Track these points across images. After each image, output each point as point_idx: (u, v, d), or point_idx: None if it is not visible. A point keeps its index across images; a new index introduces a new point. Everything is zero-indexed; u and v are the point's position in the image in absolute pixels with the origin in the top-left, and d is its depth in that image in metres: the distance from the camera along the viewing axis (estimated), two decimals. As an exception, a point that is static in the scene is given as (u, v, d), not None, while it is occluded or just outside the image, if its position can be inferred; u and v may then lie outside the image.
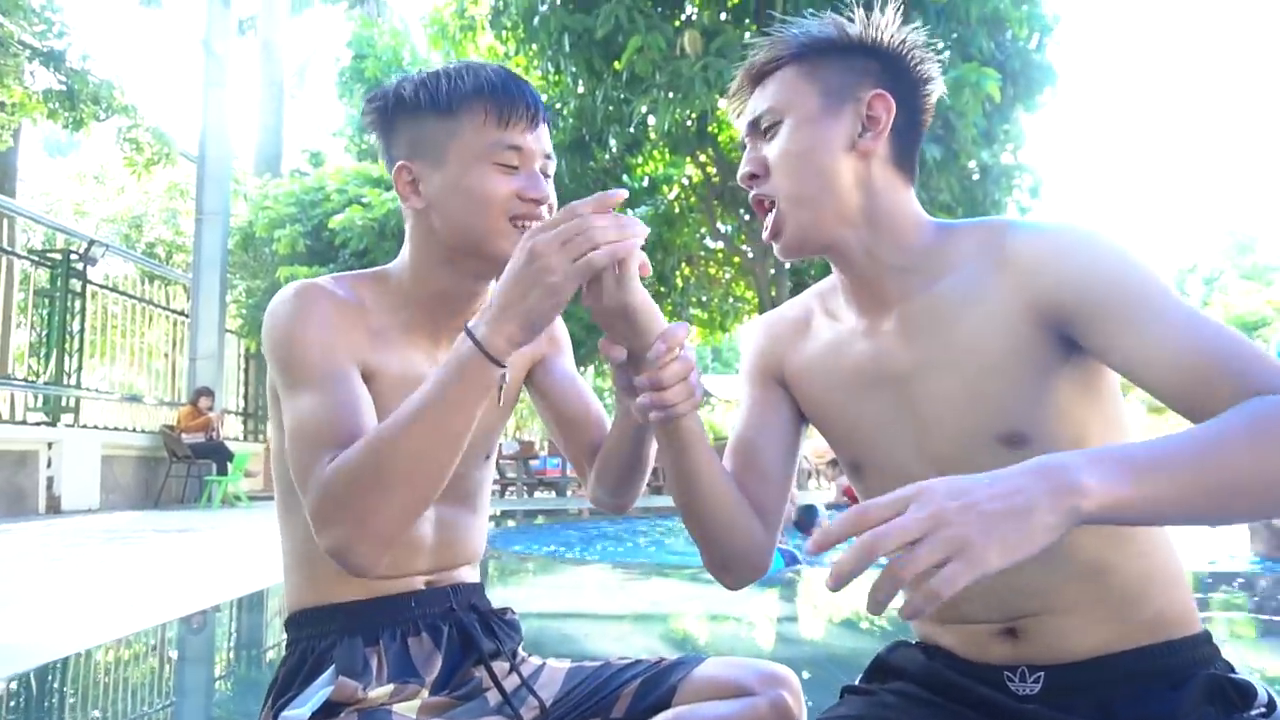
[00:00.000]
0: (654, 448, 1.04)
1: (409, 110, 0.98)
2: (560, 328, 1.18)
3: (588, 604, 3.70)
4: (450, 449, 0.83)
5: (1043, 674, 0.86)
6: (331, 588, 0.99)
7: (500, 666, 1.04)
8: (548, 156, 0.99)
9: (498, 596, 1.24)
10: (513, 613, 1.14)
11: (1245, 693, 0.82)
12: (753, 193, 0.94)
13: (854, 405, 0.94)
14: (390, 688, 0.95)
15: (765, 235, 0.95)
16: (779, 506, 0.99)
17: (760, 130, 0.94)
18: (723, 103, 9.87)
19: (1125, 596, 0.85)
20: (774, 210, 0.93)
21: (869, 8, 0.94)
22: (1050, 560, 0.81)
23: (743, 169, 0.94)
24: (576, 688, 1.06)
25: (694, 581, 4.03)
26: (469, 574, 1.10)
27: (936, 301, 0.88)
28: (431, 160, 0.97)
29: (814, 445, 15.65)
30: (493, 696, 1.02)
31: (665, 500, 11.70)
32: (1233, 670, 0.87)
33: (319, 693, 0.93)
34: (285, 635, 1.04)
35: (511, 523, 8.42)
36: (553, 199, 0.98)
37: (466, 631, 1.03)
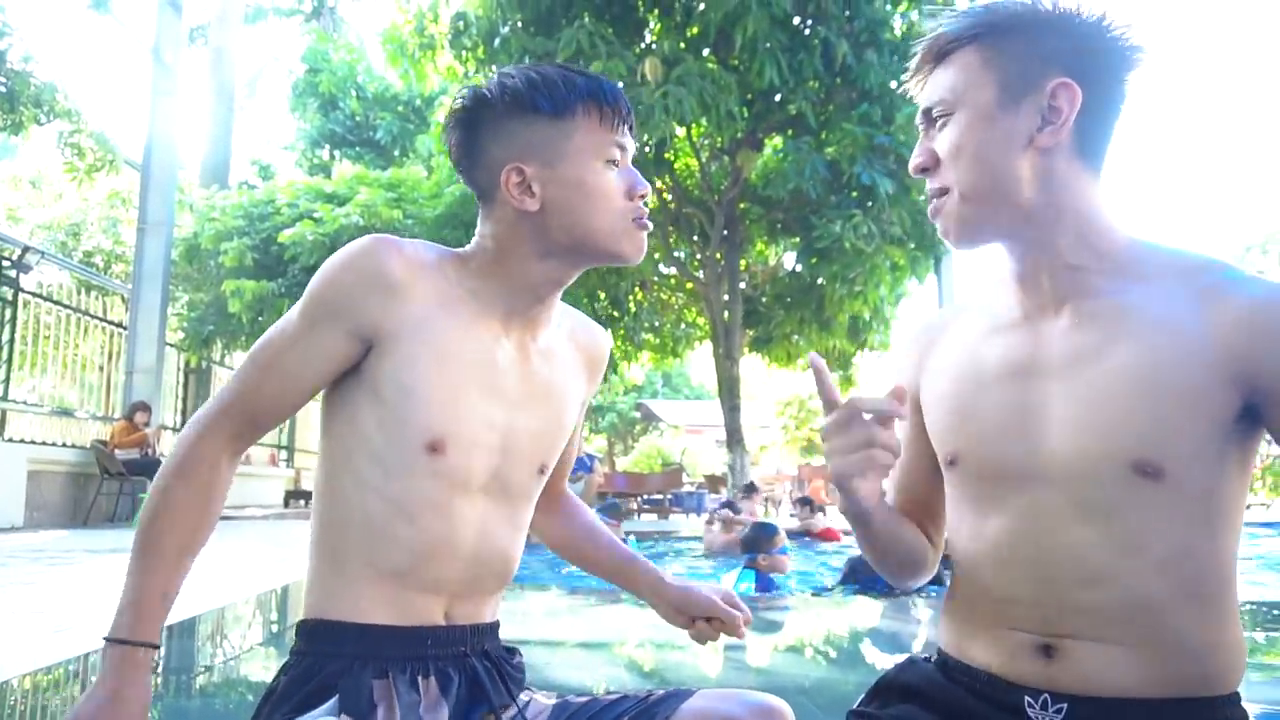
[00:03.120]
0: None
1: (520, 110, 0.99)
2: (601, 377, 1.22)
3: (558, 632, 3.63)
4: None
5: (1065, 705, 0.83)
6: (356, 603, 0.96)
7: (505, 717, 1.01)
8: (634, 154, 1.06)
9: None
10: (520, 655, 1.11)
11: None
12: (927, 187, 0.92)
13: (978, 393, 0.91)
14: None
15: (931, 217, 0.93)
16: (942, 522, 1.03)
17: (932, 119, 0.91)
18: (679, 130, 10.03)
19: (1177, 647, 0.82)
20: (944, 197, 0.90)
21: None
22: (1109, 591, 0.82)
23: (914, 160, 0.93)
24: None
25: (646, 608, 3.99)
26: (490, 608, 1.07)
27: (1121, 305, 0.85)
28: (545, 160, 0.99)
29: (762, 473, 15.71)
30: None
31: (632, 525, 11.58)
32: None
33: None
34: (294, 640, 1.01)
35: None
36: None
37: (477, 681, 1.00)
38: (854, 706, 1.00)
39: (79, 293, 11.60)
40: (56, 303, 10.64)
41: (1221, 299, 0.81)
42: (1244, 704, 0.87)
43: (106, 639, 0.91)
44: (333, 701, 0.92)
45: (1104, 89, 0.87)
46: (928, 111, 0.91)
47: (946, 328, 1.01)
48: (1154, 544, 0.81)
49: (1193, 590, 0.82)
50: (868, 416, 0.86)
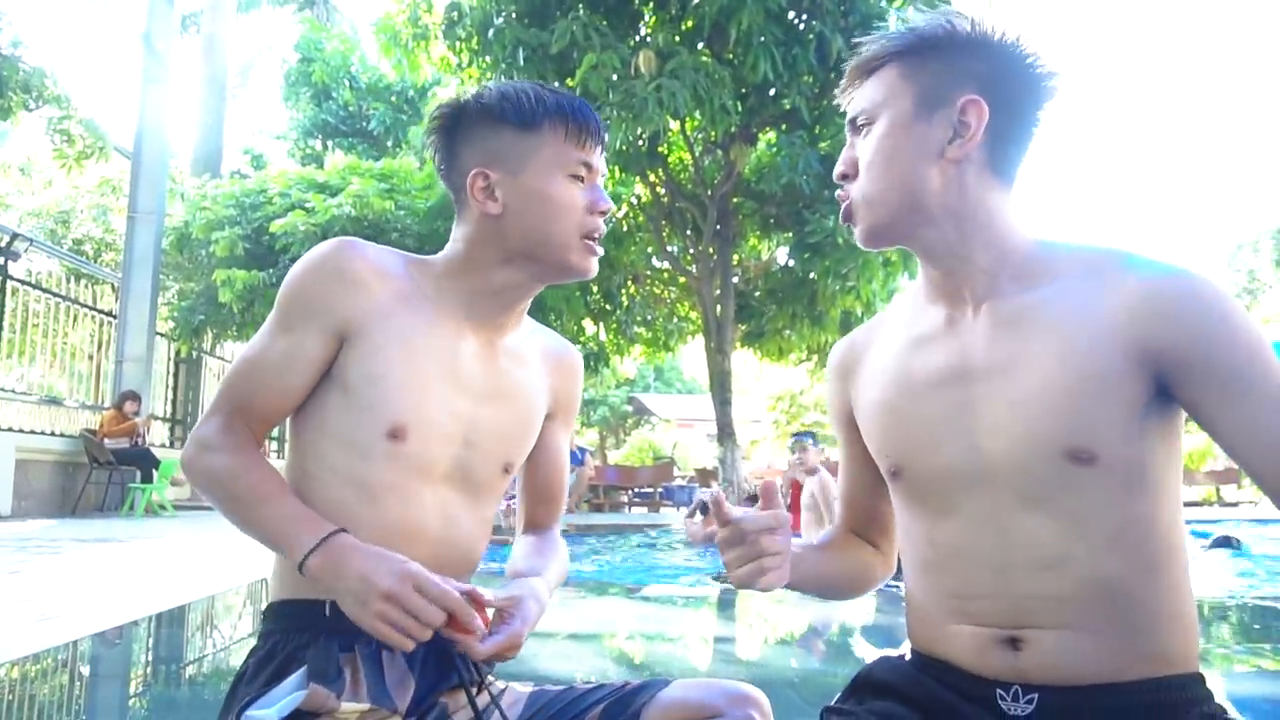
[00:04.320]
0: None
1: (490, 119, 1.05)
2: (575, 394, 1.24)
3: (548, 623, 3.64)
4: (249, 532, 1.00)
5: (1037, 695, 0.86)
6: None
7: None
8: (604, 174, 1.10)
9: None
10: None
11: None
12: (839, 193, 0.97)
13: (912, 404, 0.95)
14: (366, 707, 0.94)
15: (844, 219, 0.98)
16: (891, 529, 1.08)
17: (856, 127, 0.95)
18: (672, 124, 10.03)
19: (1137, 626, 0.85)
20: (847, 203, 0.95)
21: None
22: (1065, 573, 0.85)
23: (837, 168, 0.97)
24: (539, 712, 1.04)
25: (639, 600, 4.00)
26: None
27: (1033, 306, 0.89)
28: (509, 168, 1.04)
29: (753, 468, 15.75)
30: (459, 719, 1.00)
31: (606, 518, 11.64)
32: (1223, 711, 0.86)
33: (289, 696, 0.90)
34: (260, 625, 1.04)
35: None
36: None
37: (446, 655, 1.01)
38: (830, 703, 1.01)
39: (68, 281, 11.54)
40: (45, 290, 10.58)
41: (1121, 286, 0.85)
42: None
43: (303, 562, 0.92)
44: (300, 672, 0.94)
45: (1015, 109, 0.91)
46: (853, 120, 0.96)
47: (870, 344, 1.05)
48: (1099, 522, 0.85)
49: (1142, 561, 0.86)
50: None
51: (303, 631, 0.98)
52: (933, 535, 0.94)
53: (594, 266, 1.08)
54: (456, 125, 1.08)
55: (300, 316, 1.02)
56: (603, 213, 1.06)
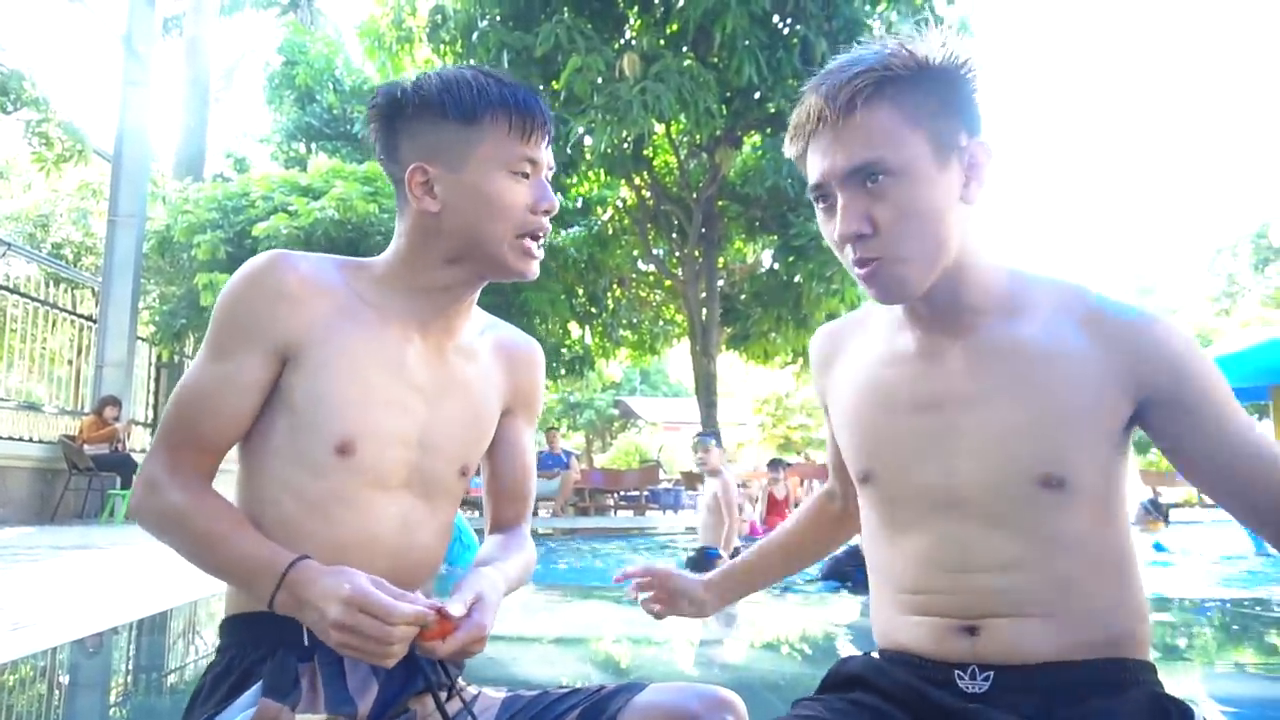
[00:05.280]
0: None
1: (430, 113, 1.00)
2: (535, 388, 1.20)
3: (517, 627, 3.62)
4: (209, 571, 0.97)
5: (992, 673, 0.90)
6: None
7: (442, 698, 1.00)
8: (551, 168, 1.05)
9: None
10: None
11: (1185, 712, 0.87)
12: (857, 253, 0.89)
13: (886, 422, 0.97)
14: (322, 717, 0.92)
15: (866, 281, 0.91)
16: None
17: (861, 180, 0.87)
18: (657, 127, 10.04)
19: (1091, 616, 0.91)
20: (878, 262, 0.88)
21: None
22: (1021, 574, 0.91)
23: (849, 227, 0.88)
24: (513, 719, 1.02)
25: (622, 604, 3.99)
26: (426, 591, 1.06)
27: (1012, 340, 0.92)
28: (449, 164, 0.99)
29: (739, 471, 15.78)
30: None
31: (591, 521, 11.61)
32: (1172, 698, 0.91)
33: (240, 715, 0.88)
34: (218, 640, 1.01)
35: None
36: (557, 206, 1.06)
37: (412, 659, 0.98)
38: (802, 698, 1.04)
39: (47, 285, 11.40)
40: (24, 295, 10.46)
41: (1103, 326, 0.90)
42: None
43: (270, 603, 0.91)
44: (255, 688, 0.91)
45: (984, 134, 0.92)
46: (856, 171, 0.87)
47: (847, 342, 1.07)
48: (1061, 536, 0.91)
49: (1096, 563, 0.92)
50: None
51: (259, 645, 0.96)
52: (896, 540, 0.98)
53: (533, 268, 1.03)
54: (396, 115, 1.02)
55: (238, 340, 0.97)
56: (546, 211, 1.02)
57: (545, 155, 1.03)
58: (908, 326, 0.98)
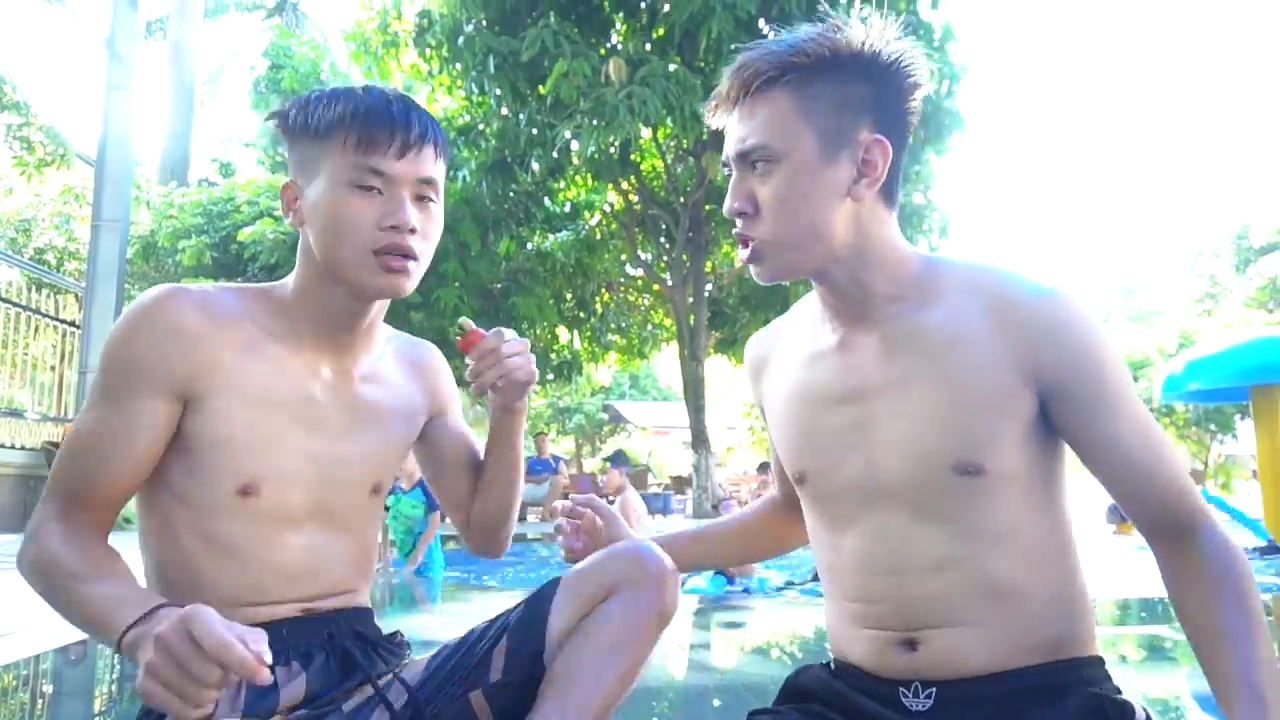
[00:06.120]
0: (521, 472, 1.19)
1: (292, 130, 0.99)
2: (450, 384, 1.20)
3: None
4: (83, 629, 0.88)
5: (935, 689, 0.90)
6: None
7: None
8: (425, 181, 0.98)
9: (403, 624, 1.19)
10: (402, 635, 1.11)
11: (1124, 711, 0.87)
12: (738, 229, 0.94)
13: (812, 417, 0.97)
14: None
15: (741, 260, 0.96)
16: None
17: (749, 162, 0.92)
18: (644, 132, 10.05)
19: (1028, 618, 0.90)
20: (757, 242, 0.92)
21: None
22: (956, 574, 0.90)
23: (731, 203, 0.93)
24: (440, 665, 1.02)
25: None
26: (355, 600, 1.06)
27: (922, 328, 0.91)
28: (307, 179, 0.98)
29: (728, 474, 15.80)
30: (350, 704, 0.98)
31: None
32: (1118, 691, 0.91)
33: None
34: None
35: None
36: (423, 224, 0.98)
37: (348, 656, 0.99)
38: (756, 708, 1.03)
39: (30, 290, 11.31)
40: (6, 300, 10.36)
41: (1005, 309, 0.88)
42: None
43: (120, 641, 0.80)
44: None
45: (901, 131, 0.92)
46: (744, 155, 0.91)
47: (774, 349, 1.08)
48: (987, 528, 0.90)
49: (1030, 559, 0.90)
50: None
51: None
52: (836, 542, 0.98)
53: (399, 284, 0.97)
54: (283, 133, 1.01)
55: (133, 383, 0.91)
56: (394, 227, 0.95)
57: (403, 168, 0.96)
58: (827, 321, 0.98)
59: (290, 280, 1.03)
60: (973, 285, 0.90)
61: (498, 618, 1.04)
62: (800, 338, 1.02)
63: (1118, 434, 0.86)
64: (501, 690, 0.98)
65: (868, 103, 0.89)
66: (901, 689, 0.91)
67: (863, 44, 0.89)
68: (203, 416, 0.94)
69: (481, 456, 1.19)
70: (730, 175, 0.95)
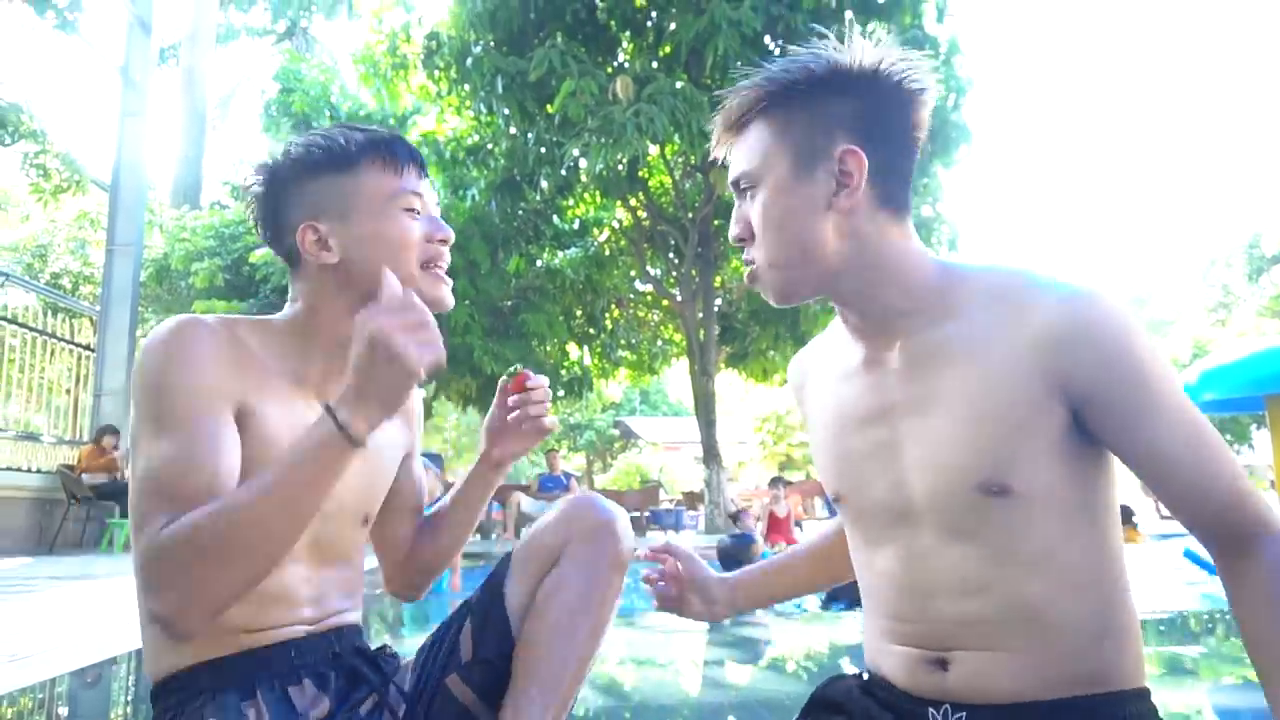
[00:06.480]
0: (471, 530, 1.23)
1: (307, 172, 1.01)
2: (420, 426, 1.23)
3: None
4: (296, 526, 0.83)
5: (965, 714, 0.87)
6: (199, 646, 0.93)
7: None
8: (434, 201, 1.07)
9: (397, 645, 1.21)
10: (390, 648, 1.14)
11: None
12: (745, 255, 0.96)
13: (844, 438, 0.97)
14: None
15: (749, 282, 0.97)
16: None
17: (741, 191, 0.95)
18: (652, 149, 10.10)
19: (1065, 647, 0.85)
20: (756, 265, 0.94)
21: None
22: (987, 597, 0.86)
23: (733, 229, 0.97)
24: (423, 663, 1.06)
25: (619, 626, 3.97)
26: (351, 617, 1.09)
27: (943, 342, 0.88)
28: (338, 215, 1.00)
29: (740, 489, 15.73)
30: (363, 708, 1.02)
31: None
32: None
33: None
34: (153, 709, 0.95)
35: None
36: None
37: (354, 671, 1.02)
38: None
39: (46, 315, 11.42)
40: (22, 325, 10.47)
41: (1028, 316, 0.84)
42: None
43: (347, 435, 0.82)
44: None
45: (894, 138, 0.90)
46: (735, 184, 0.95)
47: (813, 366, 1.08)
48: (1020, 549, 0.86)
49: (1066, 583, 0.86)
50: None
51: (198, 695, 0.92)
52: (871, 560, 0.97)
53: (446, 295, 1.03)
54: (272, 189, 1.02)
55: (207, 399, 0.88)
56: (442, 240, 1.03)
57: (425, 187, 1.04)
58: (851, 340, 0.98)
59: (292, 318, 1.03)
60: (994, 292, 0.87)
61: (462, 604, 1.07)
62: (834, 356, 1.02)
63: (1161, 438, 0.80)
64: (475, 669, 1.01)
65: (846, 117, 0.89)
66: (931, 709, 0.89)
67: (839, 61, 0.89)
68: (248, 441, 0.95)
69: (422, 502, 1.23)
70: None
